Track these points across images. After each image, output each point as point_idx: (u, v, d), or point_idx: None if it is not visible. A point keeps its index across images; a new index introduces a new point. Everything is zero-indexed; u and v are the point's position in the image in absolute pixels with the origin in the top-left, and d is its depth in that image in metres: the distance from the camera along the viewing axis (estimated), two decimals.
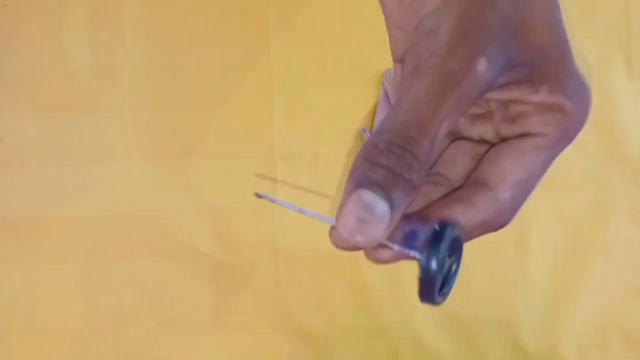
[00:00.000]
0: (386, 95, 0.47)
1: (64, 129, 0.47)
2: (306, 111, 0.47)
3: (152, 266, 0.47)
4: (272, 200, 0.24)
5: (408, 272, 0.47)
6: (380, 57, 0.47)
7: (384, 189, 0.20)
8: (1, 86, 0.47)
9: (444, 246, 0.22)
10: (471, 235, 0.26)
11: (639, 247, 0.48)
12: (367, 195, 0.20)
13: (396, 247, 0.22)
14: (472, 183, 0.25)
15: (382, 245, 0.22)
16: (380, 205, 0.20)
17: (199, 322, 0.47)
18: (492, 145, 0.25)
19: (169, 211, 0.47)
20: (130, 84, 0.47)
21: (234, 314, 0.47)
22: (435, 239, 0.22)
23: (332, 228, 0.24)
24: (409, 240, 0.22)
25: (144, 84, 0.47)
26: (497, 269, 0.47)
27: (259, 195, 0.25)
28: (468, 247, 0.48)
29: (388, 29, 0.26)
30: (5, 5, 0.47)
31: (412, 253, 0.22)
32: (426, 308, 0.47)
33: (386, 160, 0.20)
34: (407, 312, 0.47)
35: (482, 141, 0.26)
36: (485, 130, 0.25)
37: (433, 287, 0.23)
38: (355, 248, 0.24)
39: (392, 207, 0.20)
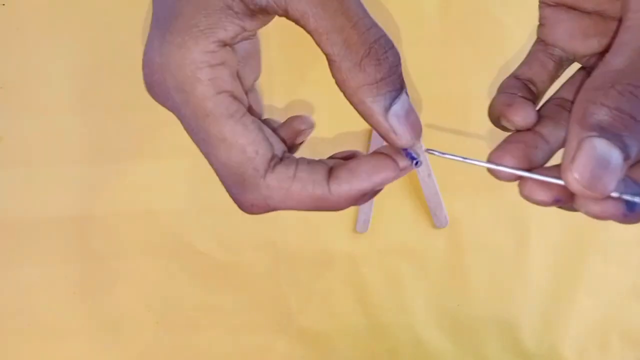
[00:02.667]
0: None
1: (64, 129, 0.47)
2: (306, 111, 0.47)
3: (152, 266, 0.47)
4: (442, 155, 0.23)
5: (408, 271, 0.47)
6: None
7: (620, 137, 0.18)
8: (1, 86, 0.47)
9: None
10: None
11: (638, 247, 0.48)
12: (603, 145, 0.18)
13: (627, 197, 0.20)
14: None
15: (605, 198, 0.20)
16: (616, 156, 0.18)
17: (199, 322, 0.47)
18: None
19: (169, 211, 0.47)
20: (131, 84, 0.47)
21: (234, 314, 0.47)
22: None
23: (523, 181, 0.22)
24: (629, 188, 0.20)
25: (143, 84, 0.47)
26: (497, 269, 0.47)
27: (429, 151, 0.24)
28: (468, 247, 0.49)
29: None
30: (4, 5, 0.47)
31: None
32: (426, 308, 0.47)
33: (628, 104, 0.18)
34: (407, 312, 0.47)
35: None
36: None
37: None
38: (555, 202, 0.21)
39: (626, 157, 0.19)
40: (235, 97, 0.22)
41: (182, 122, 0.23)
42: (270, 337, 0.47)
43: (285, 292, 0.47)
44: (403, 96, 0.22)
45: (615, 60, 0.20)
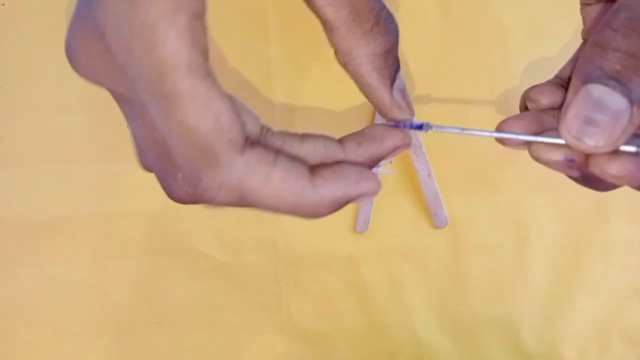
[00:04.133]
0: None
1: (64, 128, 0.47)
2: (306, 111, 0.47)
3: (152, 266, 0.47)
4: (440, 130, 0.22)
5: (408, 271, 0.47)
6: None
7: (620, 80, 0.16)
8: (1, 86, 0.47)
9: None
10: None
11: (638, 247, 0.48)
12: (598, 90, 0.16)
13: (632, 149, 0.17)
14: None
15: (615, 152, 0.17)
16: (616, 100, 0.16)
17: (199, 321, 0.47)
18: None
19: (168, 211, 0.47)
20: None
21: (234, 314, 0.47)
22: None
23: (530, 144, 0.20)
24: None
25: None
26: (497, 269, 0.47)
27: (432, 128, 0.22)
28: (468, 247, 0.49)
29: None
30: (3, 5, 0.47)
31: None
32: (426, 308, 0.47)
33: (624, 40, 0.16)
34: (407, 312, 0.47)
35: None
36: None
37: None
38: (568, 163, 0.19)
39: (632, 101, 0.16)
40: (207, 58, 0.18)
41: (132, 84, 0.19)
42: (270, 337, 0.47)
43: (285, 292, 0.47)
44: (399, 72, 0.21)
45: (616, 4, 0.18)
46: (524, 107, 0.24)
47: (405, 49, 0.48)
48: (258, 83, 0.47)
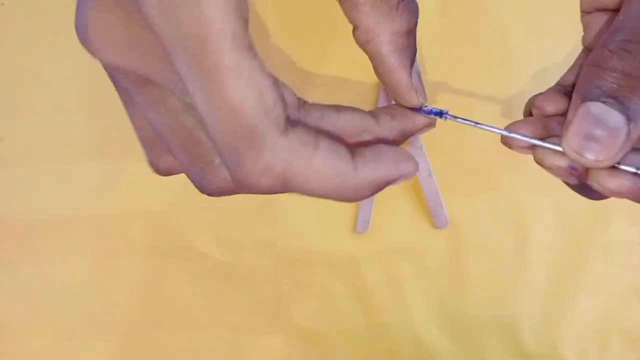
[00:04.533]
0: (386, 95, 0.47)
1: (64, 128, 0.47)
2: None
3: (152, 266, 0.47)
4: (454, 120, 0.23)
5: (408, 271, 0.47)
6: None
7: (618, 98, 0.17)
8: (1, 86, 0.47)
9: None
10: None
11: (638, 247, 0.48)
12: (597, 108, 0.17)
13: (632, 170, 0.18)
14: None
15: (615, 169, 0.19)
16: (614, 117, 0.17)
17: (199, 322, 0.47)
18: None
19: (168, 211, 0.47)
20: None
21: (234, 314, 0.47)
22: None
23: (535, 147, 0.21)
24: None
25: None
26: (497, 269, 0.47)
27: (446, 116, 0.23)
28: (468, 247, 0.49)
29: None
30: (3, 5, 0.47)
31: None
32: (426, 308, 0.47)
33: (620, 62, 0.17)
34: (407, 312, 0.47)
35: None
36: None
37: None
38: (571, 170, 0.20)
39: (629, 119, 0.17)
40: (248, 30, 0.18)
41: (170, 57, 0.17)
42: (270, 337, 0.47)
43: (285, 292, 0.47)
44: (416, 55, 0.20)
45: (615, 21, 0.19)
46: (529, 113, 0.25)
47: None
48: None
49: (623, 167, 0.19)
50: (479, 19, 0.48)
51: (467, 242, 0.47)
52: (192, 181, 0.20)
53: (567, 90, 0.24)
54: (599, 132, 0.18)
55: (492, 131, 0.23)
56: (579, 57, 0.26)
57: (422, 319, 0.47)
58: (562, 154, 0.20)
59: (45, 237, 0.46)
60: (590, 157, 0.18)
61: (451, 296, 0.47)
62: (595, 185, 0.20)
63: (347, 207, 0.47)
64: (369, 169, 0.19)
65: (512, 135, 0.22)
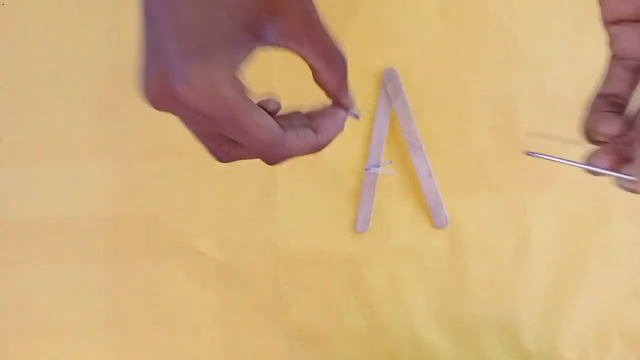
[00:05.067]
0: (386, 95, 0.47)
1: (64, 129, 0.47)
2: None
3: (152, 266, 0.47)
4: (545, 157, 0.25)
5: (408, 271, 0.47)
6: (380, 57, 0.47)
7: None
8: (1, 86, 0.47)
9: None
10: None
11: (638, 247, 0.48)
12: None
13: None
14: None
15: None
16: None
17: (199, 322, 0.47)
18: None
19: (169, 211, 0.47)
20: (128, 84, 0.47)
21: (234, 314, 0.47)
22: None
23: (616, 178, 0.26)
24: None
25: None
26: (497, 269, 0.47)
27: (529, 154, 0.26)
28: (468, 247, 0.49)
29: None
30: (3, 5, 0.47)
31: None
32: (426, 308, 0.47)
33: None
34: (407, 312, 0.47)
35: None
36: None
37: None
38: None
39: None
40: (249, 92, 0.25)
41: (207, 121, 0.25)
42: (270, 337, 0.47)
43: (285, 292, 0.47)
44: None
45: None
46: (591, 137, 0.28)
47: (405, 49, 0.48)
48: (258, 83, 0.47)
49: None
50: (479, 19, 0.48)
51: (467, 242, 0.47)
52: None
53: (613, 102, 0.28)
54: None
55: (576, 166, 0.27)
56: (612, 66, 0.29)
57: (422, 319, 0.47)
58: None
59: (46, 237, 0.46)
60: None
61: (451, 296, 0.47)
62: None
63: (347, 207, 0.47)
64: (294, 139, 0.28)
65: (594, 169, 0.27)
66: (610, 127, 0.27)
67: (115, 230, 0.46)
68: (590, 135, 0.28)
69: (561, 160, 0.26)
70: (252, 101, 0.25)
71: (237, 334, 0.47)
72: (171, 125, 0.47)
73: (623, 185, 0.26)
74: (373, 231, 0.47)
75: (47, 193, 0.46)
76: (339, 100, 0.30)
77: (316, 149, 0.30)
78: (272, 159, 0.29)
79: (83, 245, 0.46)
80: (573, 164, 0.26)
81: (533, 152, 0.26)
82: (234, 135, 0.26)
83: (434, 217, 0.47)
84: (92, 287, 0.46)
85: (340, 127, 0.31)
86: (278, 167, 0.47)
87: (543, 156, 0.26)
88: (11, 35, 0.47)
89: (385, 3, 0.48)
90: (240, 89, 0.25)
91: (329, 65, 0.28)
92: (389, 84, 0.46)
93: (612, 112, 0.28)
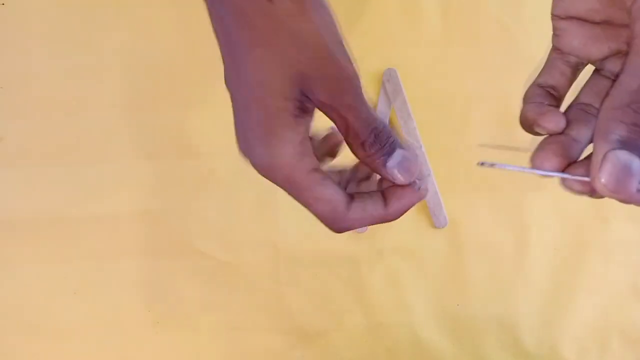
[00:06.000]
0: (386, 95, 0.47)
1: (64, 129, 0.47)
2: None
3: (152, 266, 0.47)
4: (502, 167, 0.25)
5: (408, 271, 0.47)
6: (380, 57, 0.47)
7: (638, 147, 0.22)
8: (1, 86, 0.47)
9: None
10: None
11: (638, 247, 0.48)
12: (624, 156, 0.22)
13: None
14: None
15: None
16: (636, 163, 0.22)
17: (199, 322, 0.47)
18: None
19: (168, 211, 0.47)
20: (129, 84, 0.47)
21: (234, 314, 0.47)
22: None
23: (563, 180, 0.26)
24: None
25: (143, 84, 0.47)
26: (497, 269, 0.47)
27: (482, 164, 0.26)
28: (468, 247, 0.49)
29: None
30: (3, 4, 0.47)
31: None
32: (426, 308, 0.47)
33: (630, 117, 0.22)
34: (407, 312, 0.47)
35: None
36: None
37: None
38: (592, 192, 0.26)
39: None
40: (315, 170, 0.27)
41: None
42: (270, 337, 0.47)
43: (285, 292, 0.47)
44: (396, 152, 0.28)
45: (629, 82, 0.23)
46: (530, 127, 0.28)
47: (405, 49, 0.48)
48: None
49: None
50: (479, 19, 0.48)
51: (467, 242, 0.47)
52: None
53: (550, 94, 0.29)
54: (624, 174, 0.22)
55: (519, 171, 0.27)
56: (554, 58, 0.30)
57: (421, 318, 0.47)
58: (585, 182, 0.25)
59: (46, 237, 0.46)
60: (624, 195, 0.22)
61: (451, 296, 0.47)
62: (618, 200, 0.24)
63: None
64: (358, 212, 0.28)
65: (541, 173, 0.27)
66: (555, 122, 0.27)
67: (115, 230, 0.46)
68: (529, 126, 0.29)
69: (513, 168, 0.26)
70: (316, 175, 0.26)
71: (237, 333, 0.47)
72: (172, 126, 0.47)
73: (571, 187, 0.26)
74: (373, 231, 0.47)
75: (47, 193, 0.46)
76: (384, 175, 0.28)
77: (383, 221, 0.30)
78: (334, 230, 0.29)
79: (83, 245, 0.46)
80: (525, 170, 0.27)
81: (485, 162, 0.26)
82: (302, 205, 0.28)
83: (434, 217, 0.47)
84: (92, 287, 0.46)
85: (414, 199, 0.29)
86: None
87: (496, 166, 0.26)
88: (11, 35, 0.47)
89: (386, 3, 0.48)
90: (303, 162, 0.26)
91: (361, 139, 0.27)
92: (388, 84, 0.46)
93: (552, 106, 0.29)
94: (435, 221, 0.47)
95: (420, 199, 0.29)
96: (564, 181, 0.27)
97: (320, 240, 0.47)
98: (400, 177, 0.28)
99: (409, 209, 0.29)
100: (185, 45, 0.47)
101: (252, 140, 0.26)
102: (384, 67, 0.47)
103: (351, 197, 0.29)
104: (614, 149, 0.22)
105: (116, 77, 0.47)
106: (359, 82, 0.26)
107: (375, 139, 0.27)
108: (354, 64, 0.26)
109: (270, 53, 0.24)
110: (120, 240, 0.47)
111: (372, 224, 0.30)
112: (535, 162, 0.27)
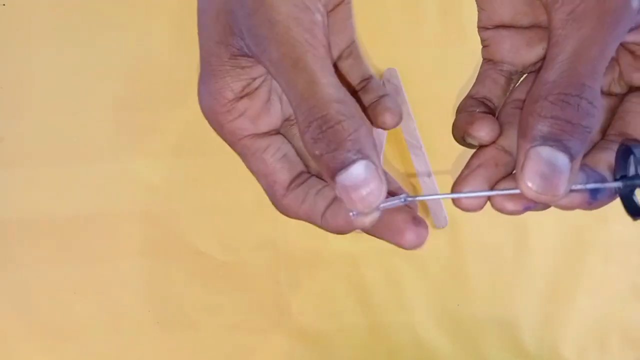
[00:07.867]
0: None
1: (64, 129, 0.47)
2: None
3: (152, 266, 0.47)
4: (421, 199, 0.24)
5: (408, 271, 0.47)
6: (380, 57, 0.47)
7: (562, 142, 0.20)
8: (1, 86, 0.47)
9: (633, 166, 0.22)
10: None
11: (638, 247, 0.48)
12: (546, 152, 0.20)
13: (590, 186, 0.22)
14: (616, 135, 0.24)
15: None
16: (561, 159, 0.20)
17: (199, 322, 0.47)
18: (621, 95, 0.25)
19: (169, 211, 0.47)
20: (128, 84, 0.47)
21: (234, 314, 0.47)
22: (624, 159, 0.22)
23: (492, 198, 0.24)
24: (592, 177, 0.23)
25: (143, 84, 0.47)
26: (497, 269, 0.47)
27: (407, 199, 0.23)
28: (468, 247, 0.49)
29: None
30: (4, 5, 0.47)
31: (611, 184, 0.23)
32: (426, 308, 0.47)
33: (562, 112, 0.20)
34: (407, 312, 0.47)
35: (608, 93, 0.25)
36: (611, 82, 0.25)
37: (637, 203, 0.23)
38: (526, 209, 0.24)
39: (572, 157, 0.20)
40: (256, 136, 0.24)
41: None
42: (270, 337, 0.47)
43: (285, 292, 0.47)
44: (356, 164, 0.20)
45: (547, 75, 0.21)
46: (461, 139, 0.27)
47: (405, 49, 0.48)
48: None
49: (574, 188, 0.22)
50: None
51: (467, 242, 0.47)
52: None
53: (485, 104, 0.27)
54: (549, 172, 0.20)
55: (438, 198, 0.25)
56: (486, 69, 0.29)
57: (422, 318, 0.47)
58: (516, 197, 0.23)
59: (46, 237, 0.46)
60: (548, 195, 0.20)
61: (451, 296, 0.47)
62: (552, 205, 0.22)
63: None
64: (293, 202, 0.25)
65: (465, 195, 0.24)
66: (486, 130, 0.25)
67: (115, 230, 0.46)
68: (460, 137, 0.27)
69: (437, 197, 0.25)
70: (259, 142, 0.24)
71: (237, 333, 0.47)
72: (171, 126, 0.47)
73: (502, 206, 0.24)
74: None
75: (47, 193, 0.46)
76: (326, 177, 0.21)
77: (318, 226, 0.24)
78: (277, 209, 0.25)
79: (83, 245, 0.46)
80: (442, 196, 0.25)
81: (412, 197, 0.23)
82: None
83: (434, 217, 0.47)
84: (92, 287, 0.46)
85: (348, 227, 0.23)
86: None
87: (420, 199, 0.24)
88: (11, 35, 0.47)
89: (386, 3, 0.48)
90: (241, 122, 0.23)
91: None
92: (388, 84, 0.46)
93: (484, 112, 0.27)
94: (436, 221, 0.47)
95: (353, 228, 0.22)
96: (492, 201, 0.24)
97: (320, 240, 0.47)
98: (352, 202, 0.20)
99: (343, 231, 0.23)
100: (186, 45, 0.47)
101: (199, 85, 0.25)
102: (384, 67, 0.47)
103: (300, 181, 0.25)
104: (534, 145, 0.20)
105: (116, 77, 0.47)
106: (308, 34, 0.20)
107: (320, 134, 0.19)
108: (308, 14, 0.20)
109: None
110: (120, 240, 0.46)
111: (307, 222, 0.25)
112: (461, 186, 0.25)
